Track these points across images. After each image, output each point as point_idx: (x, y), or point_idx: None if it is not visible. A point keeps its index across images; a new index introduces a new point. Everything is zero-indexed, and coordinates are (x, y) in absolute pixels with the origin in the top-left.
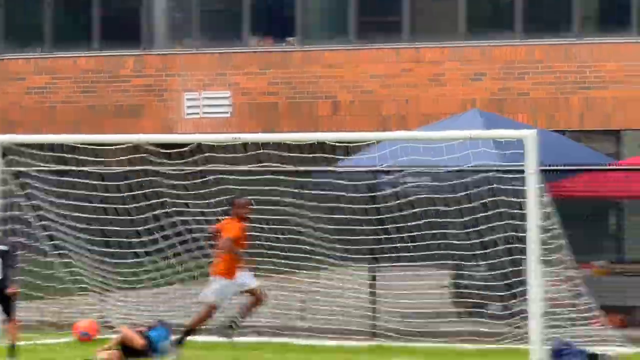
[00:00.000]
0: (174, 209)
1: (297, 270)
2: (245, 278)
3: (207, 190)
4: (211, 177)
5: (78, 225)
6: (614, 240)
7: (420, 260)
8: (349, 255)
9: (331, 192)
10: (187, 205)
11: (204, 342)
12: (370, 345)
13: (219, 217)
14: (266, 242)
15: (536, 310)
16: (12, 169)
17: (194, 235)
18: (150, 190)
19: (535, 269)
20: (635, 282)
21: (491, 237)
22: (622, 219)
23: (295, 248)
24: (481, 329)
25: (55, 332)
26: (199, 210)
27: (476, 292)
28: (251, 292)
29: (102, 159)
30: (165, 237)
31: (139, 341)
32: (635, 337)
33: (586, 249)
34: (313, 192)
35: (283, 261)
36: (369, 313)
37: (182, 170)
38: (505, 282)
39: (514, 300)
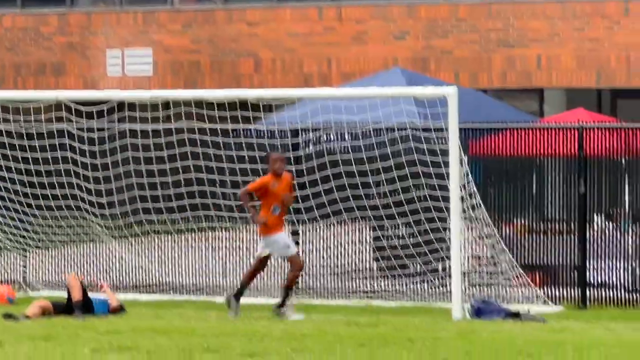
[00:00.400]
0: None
1: (219, 229)
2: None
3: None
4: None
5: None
6: (535, 199)
7: (341, 219)
8: None
9: (252, 151)
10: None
11: (125, 299)
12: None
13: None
14: (187, 200)
15: (457, 269)
16: None
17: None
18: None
19: (457, 227)
20: (556, 241)
21: (412, 195)
22: (543, 178)
23: (218, 206)
24: (402, 287)
25: None
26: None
27: (397, 250)
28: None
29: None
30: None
31: (77, 293)
32: (555, 296)
33: (508, 207)
34: (235, 151)
35: (204, 220)
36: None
37: (103, 127)
38: (426, 240)
39: (434, 258)
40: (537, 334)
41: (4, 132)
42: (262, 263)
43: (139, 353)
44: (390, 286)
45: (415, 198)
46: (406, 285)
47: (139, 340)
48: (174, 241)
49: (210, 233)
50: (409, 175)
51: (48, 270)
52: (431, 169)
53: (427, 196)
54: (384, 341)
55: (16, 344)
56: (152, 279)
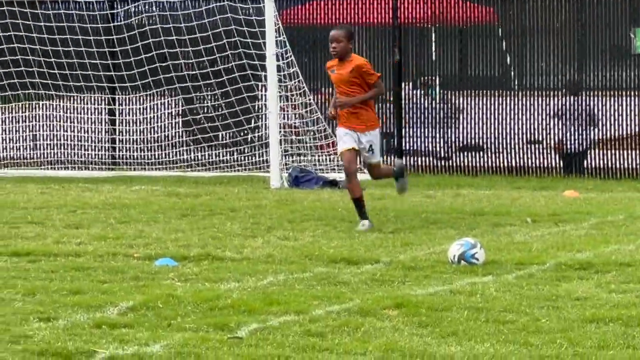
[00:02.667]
0: None
1: (33, 101)
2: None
3: None
4: None
5: None
6: None
7: (155, 90)
8: (87, 85)
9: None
10: None
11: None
12: (108, 175)
13: None
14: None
15: (275, 138)
16: None
17: None
18: None
19: (273, 95)
20: None
21: (226, 65)
22: (359, 47)
23: (30, 79)
24: (217, 157)
25: None
26: None
27: (211, 121)
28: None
29: None
30: None
31: None
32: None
33: (320, 76)
34: (47, 23)
35: (18, 91)
36: (108, 145)
37: None
38: (240, 109)
39: (248, 128)
40: None
41: None
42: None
43: None
44: (206, 157)
45: (231, 68)
46: (222, 155)
47: None
48: None
49: (26, 104)
50: (226, 46)
51: None
52: (249, 39)
53: (245, 66)
54: (208, 211)
55: None
56: None
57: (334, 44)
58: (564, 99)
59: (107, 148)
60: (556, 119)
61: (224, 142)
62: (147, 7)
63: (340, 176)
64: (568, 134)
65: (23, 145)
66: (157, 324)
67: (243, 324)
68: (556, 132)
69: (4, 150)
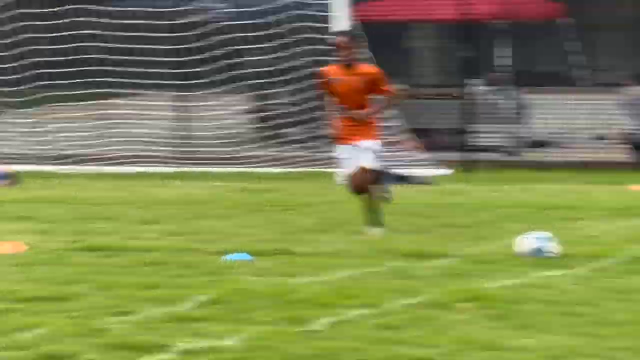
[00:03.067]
0: None
1: (102, 99)
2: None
3: None
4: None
5: None
6: (412, 64)
7: (225, 87)
8: (159, 82)
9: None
10: None
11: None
12: (175, 171)
13: None
14: (64, 70)
15: None
16: None
17: None
18: None
19: None
20: (433, 105)
21: (294, 63)
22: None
23: (98, 76)
24: (284, 154)
25: None
26: None
27: (279, 118)
28: None
29: None
30: None
31: None
32: (438, 159)
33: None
34: (116, 20)
35: (86, 90)
36: (174, 140)
37: None
38: (308, 107)
39: (315, 125)
40: (430, 196)
41: None
42: None
43: (38, 222)
44: (275, 154)
45: (298, 66)
46: (288, 151)
47: (36, 210)
48: (67, 112)
49: (99, 102)
50: (291, 44)
51: None
52: (316, 36)
53: (309, 64)
54: (279, 206)
55: None
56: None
57: (341, 51)
58: (633, 93)
59: (178, 144)
60: (626, 113)
61: (292, 138)
62: (216, 3)
63: (412, 171)
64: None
65: (96, 142)
66: (231, 318)
67: (317, 317)
68: (626, 126)
69: (78, 147)
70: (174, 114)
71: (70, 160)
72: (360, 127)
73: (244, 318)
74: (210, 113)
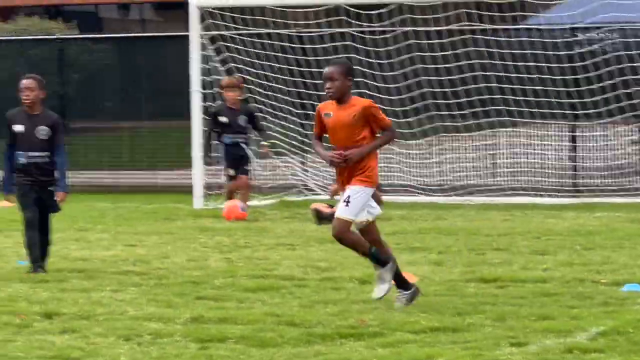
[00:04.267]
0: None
1: (497, 129)
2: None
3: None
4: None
5: (276, 86)
6: None
7: (617, 117)
8: (549, 112)
9: (529, 51)
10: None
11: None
12: (572, 202)
13: None
14: (455, 100)
15: None
16: (210, 33)
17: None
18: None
19: None
20: None
21: None
22: None
23: (491, 107)
24: None
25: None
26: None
27: None
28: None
29: (297, 22)
30: None
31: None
32: None
33: None
34: (511, 50)
35: (481, 120)
36: (568, 172)
37: (383, 32)
38: None
39: None
40: None
41: (280, 36)
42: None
43: (430, 253)
44: None
45: None
46: None
47: (426, 241)
48: (457, 142)
49: (489, 132)
50: None
51: (324, 175)
52: None
53: None
54: None
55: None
56: (433, 180)
57: (328, 83)
58: None
59: (569, 175)
60: None
61: None
62: (608, 33)
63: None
64: None
65: (485, 173)
66: (627, 349)
67: None
68: None
69: (468, 178)
70: (566, 143)
71: (461, 191)
72: (352, 168)
73: None
74: (602, 143)
